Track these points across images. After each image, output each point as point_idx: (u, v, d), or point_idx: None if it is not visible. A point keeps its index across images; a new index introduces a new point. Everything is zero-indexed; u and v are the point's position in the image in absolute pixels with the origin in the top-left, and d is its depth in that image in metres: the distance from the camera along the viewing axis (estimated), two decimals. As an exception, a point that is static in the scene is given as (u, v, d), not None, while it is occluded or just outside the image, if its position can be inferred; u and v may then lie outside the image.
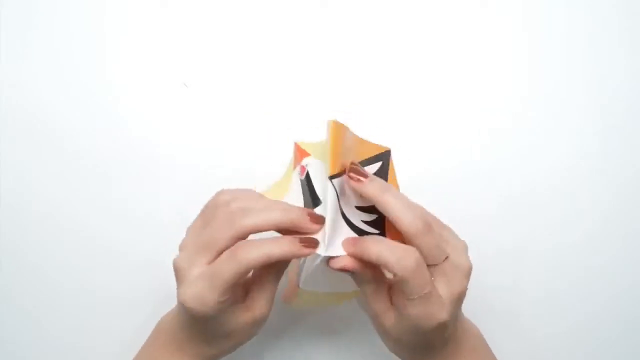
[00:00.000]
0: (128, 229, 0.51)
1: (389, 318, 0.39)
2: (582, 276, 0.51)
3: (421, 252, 0.37)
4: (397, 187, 0.43)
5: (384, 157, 0.43)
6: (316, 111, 0.53)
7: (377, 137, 0.52)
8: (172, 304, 0.46)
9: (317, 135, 0.53)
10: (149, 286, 0.50)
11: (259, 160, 0.52)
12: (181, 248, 0.41)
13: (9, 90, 0.53)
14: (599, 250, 0.52)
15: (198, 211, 0.51)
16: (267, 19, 0.54)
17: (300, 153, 0.42)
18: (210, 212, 0.40)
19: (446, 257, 0.38)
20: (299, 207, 0.39)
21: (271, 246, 0.37)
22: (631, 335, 0.51)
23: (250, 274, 0.40)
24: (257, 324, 0.40)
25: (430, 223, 0.38)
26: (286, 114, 0.53)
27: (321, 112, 0.53)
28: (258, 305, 0.40)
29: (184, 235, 0.51)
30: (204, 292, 0.37)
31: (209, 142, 0.53)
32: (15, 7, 0.54)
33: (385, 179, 0.42)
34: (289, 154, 0.53)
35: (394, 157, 0.44)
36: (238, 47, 0.54)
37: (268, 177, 0.52)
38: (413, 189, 0.52)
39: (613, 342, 0.51)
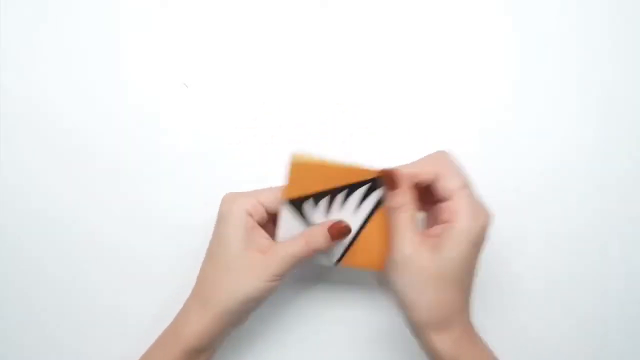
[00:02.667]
0: (128, 227, 0.51)
1: (424, 253, 0.41)
2: (582, 277, 0.51)
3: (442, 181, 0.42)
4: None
5: (377, 184, 0.45)
6: (316, 111, 0.53)
7: (377, 136, 0.53)
8: (175, 306, 0.47)
9: (317, 134, 0.53)
10: (151, 286, 0.50)
11: (259, 160, 0.52)
12: None
13: (10, 90, 0.53)
14: (599, 250, 0.52)
15: (198, 210, 0.51)
16: (267, 19, 0.54)
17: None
18: None
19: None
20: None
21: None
22: (631, 335, 0.51)
23: None
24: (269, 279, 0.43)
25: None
26: (286, 114, 0.53)
27: (321, 111, 0.53)
28: (275, 255, 0.43)
29: (183, 235, 0.51)
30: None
31: (209, 142, 0.53)
32: (18, 9, 0.54)
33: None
34: (289, 153, 0.53)
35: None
36: (238, 47, 0.54)
37: (268, 177, 0.52)
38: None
39: (613, 343, 0.51)
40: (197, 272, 0.47)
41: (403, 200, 0.42)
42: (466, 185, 0.42)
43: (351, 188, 0.45)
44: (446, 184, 0.42)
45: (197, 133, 0.53)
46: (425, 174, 0.43)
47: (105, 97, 0.53)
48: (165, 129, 0.53)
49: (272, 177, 0.52)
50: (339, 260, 0.46)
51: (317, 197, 0.45)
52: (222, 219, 0.44)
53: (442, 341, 0.40)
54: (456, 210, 0.41)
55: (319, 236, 0.43)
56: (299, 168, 0.44)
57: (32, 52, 0.53)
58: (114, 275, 0.51)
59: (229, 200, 0.44)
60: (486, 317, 0.46)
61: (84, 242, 0.51)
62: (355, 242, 0.45)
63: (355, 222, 0.45)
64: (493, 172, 0.52)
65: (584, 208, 0.52)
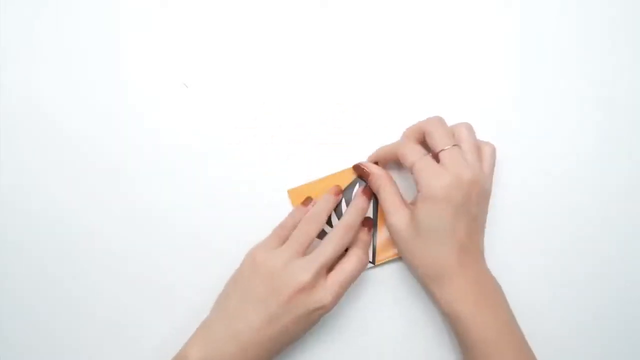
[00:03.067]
0: (128, 228, 0.51)
1: (404, 222, 0.47)
2: (582, 277, 0.51)
3: (459, 137, 0.47)
4: None
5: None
6: (316, 111, 0.53)
7: (377, 136, 0.53)
8: (174, 306, 0.47)
9: (317, 134, 0.53)
10: (150, 286, 0.50)
11: (259, 160, 0.52)
12: (278, 266, 0.45)
13: (10, 91, 0.53)
14: (598, 251, 0.52)
15: (197, 211, 0.51)
16: (267, 19, 0.54)
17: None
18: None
19: (455, 145, 0.46)
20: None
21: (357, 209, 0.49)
22: (632, 335, 0.51)
23: None
24: None
25: (472, 130, 0.48)
26: (286, 114, 0.53)
27: (321, 111, 0.53)
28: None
29: (183, 235, 0.51)
30: (340, 291, 0.45)
31: (208, 142, 0.53)
32: (18, 9, 0.54)
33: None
34: (289, 153, 0.53)
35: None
36: (238, 47, 0.54)
37: (268, 177, 0.52)
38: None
39: (613, 343, 0.51)
40: (197, 272, 0.47)
41: (378, 182, 0.49)
42: (422, 156, 0.46)
43: (344, 193, 0.51)
44: (405, 161, 0.47)
45: (197, 133, 0.53)
46: (384, 156, 0.50)
47: (105, 97, 0.53)
48: (165, 129, 0.53)
49: (272, 177, 0.52)
50: (373, 260, 0.50)
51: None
52: (314, 312, 0.45)
53: (442, 293, 0.45)
54: (415, 179, 0.46)
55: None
56: (297, 196, 0.50)
57: (32, 52, 0.53)
58: (113, 275, 0.51)
59: (333, 301, 0.45)
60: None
61: (83, 242, 0.51)
62: (378, 238, 0.50)
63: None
64: (495, 170, 0.52)
65: (584, 208, 0.52)
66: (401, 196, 0.48)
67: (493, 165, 0.48)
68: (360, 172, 0.50)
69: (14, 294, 0.51)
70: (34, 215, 0.51)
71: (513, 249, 0.51)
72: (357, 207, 0.49)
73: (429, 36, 0.54)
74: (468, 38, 0.54)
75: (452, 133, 0.47)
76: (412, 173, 0.46)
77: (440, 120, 0.47)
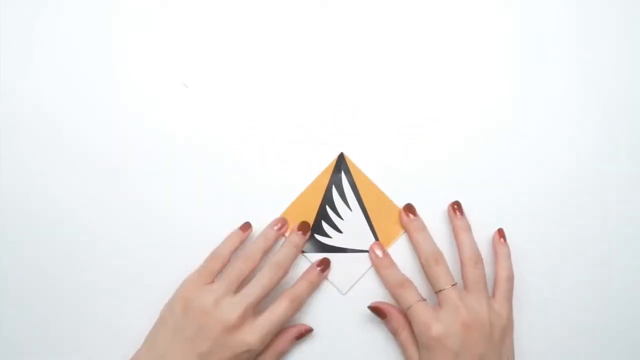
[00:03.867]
0: (128, 228, 0.51)
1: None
2: (582, 277, 0.51)
3: (467, 274, 0.47)
4: (369, 181, 0.52)
5: (340, 162, 0.52)
6: (316, 111, 0.53)
7: (377, 136, 0.53)
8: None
9: (317, 134, 0.53)
10: (150, 286, 0.50)
11: (259, 160, 0.52)
12: (208, 308, 0.45)
13: (10, 90, 0.53)
14: (598, 251, 0.52)
15: (197, 211, 0.51)
16: (267, 19, 0.54)
17: None
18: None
19: (454, 284, 0.46)
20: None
21: (308, 283, 0.49)
22: (632, 335, 0.51)
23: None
24: None
25: (481, 262, 0.47)
26: (286, 114, 0.53)
27: (321, 111, 0.53)
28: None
29: (183, 236, 0.51)
30: (268, 333, 0.45)
31: (208, 142, 0.53)
32: (17, 8, 0.54)
33: (349, 179, 0.52)
34: (289, 153, 0.53)
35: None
36: (238, 47, 0.54)
37: (269, 177, 0.52)
38: (412, 190, 0.52)
39: (613, 344, 0.51)
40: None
41: (395, 325, 0.48)
42: (416, 302, 0.46)
43: (324, 199, 0.52)
44: (401, 304, 0.47)
45: (197, 133, 0.53)
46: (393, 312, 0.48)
47: (105, 97, 0.53)
48: (165, 129, 0.53)
49: (272, 177, 0.52)
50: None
51: (316, 228, 0.51)
52: (240, 354, 0.45)
53: None
54: (412, 325, 0.46)
55: (287, 343, 0.49)
56: (290, 214, 0.51)
57: (31, 53, 0.53)
58: (113, 275, 0.51)
59: (260, 342, 0.45)
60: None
61: (83, 242, 0.51)
62: (376, 228, 0.51)
63: (359, 215, 0.51)
64: (493, 172, 0.52)
65: (584, 208, 0.52)
66: (414, 338, 0.47)
67: (507, 293, 0.47)
68: (378, 312, 0.49)
69: (14, 293, 0.51)
70: (33, 216, 0.51)
71: (513, 249, 0.51)
72: (291, 243, 0.49)
73: (429, 36, 0.54)
74: (468, 38, 0.54)
75: (448, 271, 0.47)
76: (408, 316, 0.46)
77: (439, 253, 0.48)
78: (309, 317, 0.51)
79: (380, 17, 0.54)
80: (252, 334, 0.45)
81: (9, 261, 0.51)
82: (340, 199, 0.52)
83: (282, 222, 0.50)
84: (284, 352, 0.49)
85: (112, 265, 0.51)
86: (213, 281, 0.47)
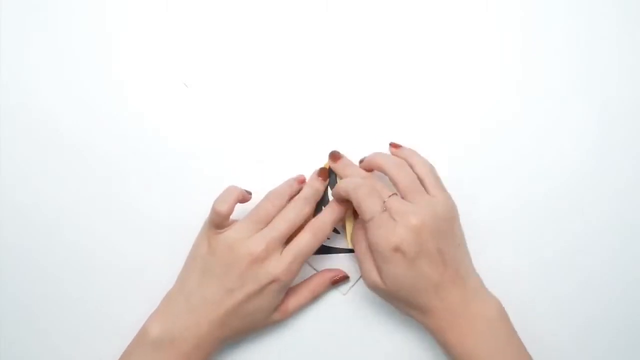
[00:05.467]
0: (127, 228, 0.51)
1: (376, 273, 0.46)
2: (582, 277, 0.51)
3: (395, 183, 0.47)
4: None
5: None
6: (316, 111, 0.53)
7: (377, 136, 0.53)
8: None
9: (317, 135, 0.53)
10: (149, 286, 0.50)
11: (259, 160, 0.52)
12: (241, 238, 0.46)
13: (9, 90, 0.53)
14: (597, 253, 0.52)
15: (197, 211, 0.51)
16: (267, 19, 0.54)
17: None
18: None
19: (391, 195, 0.46)
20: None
21: (330, 209, 0.49)
22: (631, 336, 0.51)
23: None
24: (275, 323, 0.49)
25: (404, 166, 0.47)
26: (286, 114, 0.53)
27: (321, 111, 0.53)
28: (289, 309, 0.49)
29: (182, 236, 0.51)
30: (292, 262, 0.46)
31: (208, 142, 0.53)
32: (16, 8, 0.54)
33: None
34: (289, 153, 0.53)
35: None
36: (238, 47, 0.54)
37: (269, 177, 0.52)
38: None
39: (613, 345, 0.51)
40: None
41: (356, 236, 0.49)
42: (377, 214, 0.45)
43: (321, 199, 0.51)
44: (363, 217, 0.46)
45: (197, 133, 0.53)
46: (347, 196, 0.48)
47: (105, 97, 0.53)
48: (165, 129, 0.53)
49: (272, 177, 0.52)
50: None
51: None
52: (272, 293, 0.46)
53: (430, 326, 0.45)
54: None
55: (322, 286, 0.50)
56: None
57: (30, 53, 0.53)
58: (113, 275, 0.51)
59: (288, 273, 0.46)
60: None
61: (82, 242, 0.51)
62: (348, 230, 0.50)
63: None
64: (494, 172, 0.52)
65: (584, 208, 0.52)
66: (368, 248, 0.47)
67: (435, 182, 0.47)
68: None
69: (13, 295, 0.51)
70: (32, 217, 0.51)
71: (513, 249, 0.51)
72: (312, 186, 0.49)
73: (429, 37, 0.54)
74: (468, 38, 0.54)
75: (383, 187, 0.47)
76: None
77: (367, 180, 0.47)
78: (309, 317, 0.51)
79: (380, 17, 0.54)
80: (277, 264, 0.45)
81: (8, 261, 0.51)
82: None
83: (302, 179, 0.51)
84: (318, 294, 0.50)
85: (112, 265, 0.51)
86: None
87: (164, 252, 0.51)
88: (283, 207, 0.48)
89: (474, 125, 0.53)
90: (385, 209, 0.45)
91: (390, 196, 0.46)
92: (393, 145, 0.50)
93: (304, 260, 0.47)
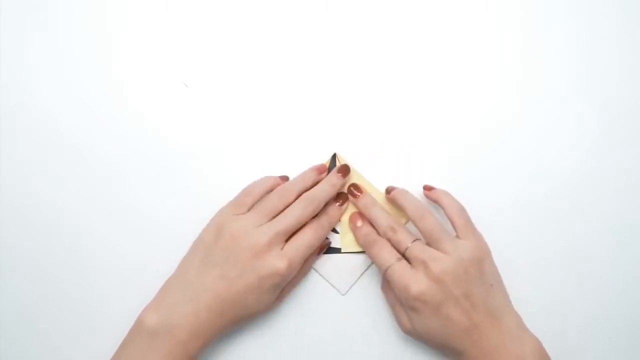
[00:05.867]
0: (127, 228, 0.51)
1: (406, 319, 0.47)
2: (581, 279, 0.51)
3: (419, 231, 0.47)
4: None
5: (334, 163, 0.52)
6: (316, 111, 0.53)
7: (377, 136, 0.53)
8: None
9: (317, 135, 0.53)
10: (150, 287, 0.50)
11: (259, 160, 0.52)
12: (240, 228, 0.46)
13: (9, 90, 0.53)
14: (597, 253, 0.52)
15: (196, 211, 0.51)
16: (267, 19, 0.54)
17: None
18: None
19: (414, 241, 0.46)
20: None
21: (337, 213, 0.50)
22: (631, 336, 0.51)
23: None
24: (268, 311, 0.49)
25: (427, 214, 0.47)
26: (286, 114, 0.53)
27: (322, 112, 0.53)
28: (282, 298, 0.49)
29: (182, 235, 0.51)
30: (295, 257, 0.46)
31: (208, 142, 0.53)
32: (16, 8, 0.54)
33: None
34: (289, 153, 0.53)
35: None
36: (238, 47, 0.54)
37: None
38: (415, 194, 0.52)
39: (613, 345, 0.51)
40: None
41: (385, 293, 0.50)
42: (394, 262, 0.46)
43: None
44: (379, 267, 0.47)
45: (197, 133, 0.53)
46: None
47: (105, 97, 0.53)
48: (165, 129, 0.53)
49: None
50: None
51: None
52: (273, 285, 0.46)
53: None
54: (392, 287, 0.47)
55: (309, 262, 0.49)
56: None
57: (30, 53, 0.53)
58: (112, 276, 0.51)
59: (289, 266, 0.46)
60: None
61: (82, 243, 0.51)
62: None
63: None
64: (494, 172, 0.52)
65: (584, 208, 0.52)
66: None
67: (466, 225, 0.47)
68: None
69: (13, 295, 0.51)
70: (32, 217, 0.51)
71: (513, 249, 0.51)
72: (328, 182, 0.49)
73: (429, 37, 0.54)
74: (469, 38, 0.54)
75: (408, 232, 0.47)
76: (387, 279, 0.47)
77: (393, 224, 0.48)
78: (308, 317, 0.50)
79: (381, 18, 0.54)
80: (280, 259, 0.45)
81: (8, 261, 0.51)
82: None
83: (324, 169, 0.51)
84: (308, 270, 0.50)
85: (112, 265, 0.51)
86: (246, 212, 0.47)
87: (164, 252, 0.51)
88: (292, 201, 0.48)
89: (474, 125, 0.53)
90: (402, 257, 0.46)
91: (413, 241, 0.46)
92: (426, 187, 0.50)
93: (306, 256, 0.47)
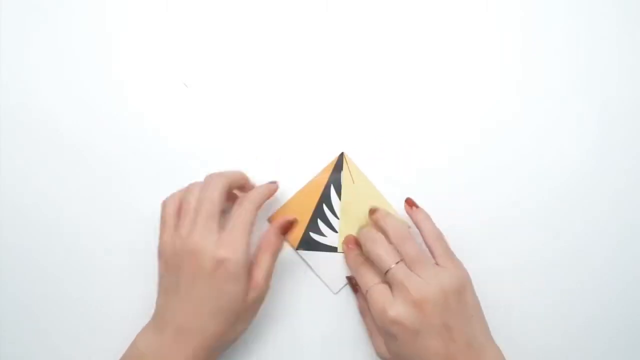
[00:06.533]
0: (126, 229, 0.51)
1: (382, 343, 0.47)
2: (581, 279, 0.51)
3: (400, 254, 0.46)
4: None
5: (340, 162, 0.52)
6: (318, 110, 0.53)
7: (376, 136, 0.53)
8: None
9: (317, 135, 0.53)
10: (147, 286, 0.50)
11: (259, 160, 0.52)
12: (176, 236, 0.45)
13: (9, 90, 0.53)
14: (597, 253, 0.52)
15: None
16: (267, 19, 0.54)
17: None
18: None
19: (397, 262, 0.45)
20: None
21: (262, 189, 0.49)
22: (631, 336, 0.51)
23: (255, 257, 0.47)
24: (260, 300, 0.46)
25: (407, 238, 0.46)
26: (286, 115, 0.53)
27: (322, 112, 0.53)
28: (259, 281, 0.45)
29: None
30: (236, 240, 0.44)
31: (208, 142, 0.53)
32: (16, 8, 0.54)
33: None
34: (288, 153, 0.53)
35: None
36: (238, 47, 0.54)
37: (267, 177, 0.52)
38: (411, 192, 0.52)
39: (613, 345, 0.51)
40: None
41: (361, 306, 0.50)
42: (373, 285, 0.46)
43: (321, 198, 0.52)
44: (361, 287, 0.47)
45: (197, 133, 0.53)
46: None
47: (105, 97, 0.53)
48: (165, 129, 0.53)
49: (272, 177, 0.52)
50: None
51: (311, 226, 0.51)
52: (229, 275, 0.43)
53: None
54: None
55: (275, 242, 0.48)
56: (286, 211, 0.51)
57: (30, 53, 0.53)
58: (113, 276, 0.51)
59: (231, 250, 0.43)
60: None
61: (82, 243, 0.51)
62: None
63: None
64: (494, 172, 0.52)
65: (585, 208, 0.52)
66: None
67: (445, 252, 0.46)
68: (350, 284, 0.50)
69: (13, 295, 0.51)
70: (32, 217, 0.51)
71: (513, 249, 0.51)
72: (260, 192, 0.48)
73: (429, 37, 0.54)
74: (469, 38, 0.54)
75: (390, 250, 0.46)
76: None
77: (376, 235, 0.47)
78: (299, 315, 0.51)
79: (380, 17, 0.54)
80: (218, 245, 0.43)
81: (8, 261, 0.51)
82: (337, 198, 0.52)
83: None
84: (277, 251, 0.48)
85: (112, 265, 0.51)
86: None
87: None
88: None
89: (474, 125, 0.53)
90: (383, 280, 0.46)
91: (397, 262, 0.45)
92: (408, 202, 0.50)
93: (248, 232, 0.44)
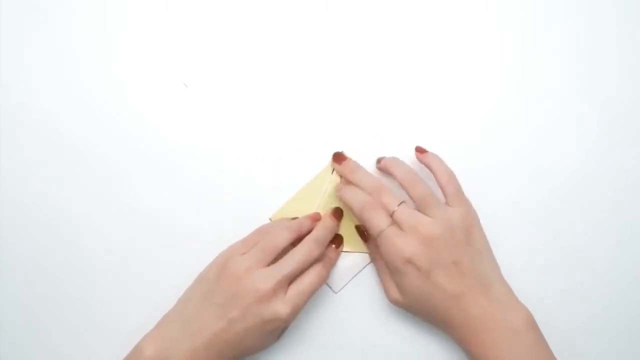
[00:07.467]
0: (126, 229, 0.51)
1: (395, 289, 0.47)
2: (581, 279, 0.51)
3: (410, 196, 0.47)
4: None
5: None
6: (317, 110, 0.53)
7: (376, 136, 0.53)
8: (172, 303, 0.47)
9: (317, 135, 0.53)
10: (150, 288, 0.50)
11: (260, 160, 0.52)
12: (242, 275, 0.45)
13: (9, 90, 0.53)
14: (597, 253, 0.52)
15: (197, 211, 0.51)
16: (268, 19, 0.54)
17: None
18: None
19: (401, 203, 0.46)
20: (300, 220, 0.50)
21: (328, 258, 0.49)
22: (631, 336, 0.51)
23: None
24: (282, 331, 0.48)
25: (417, 180, 0.47)
26: (286, 115, 0.53)
27: (321, 112, 0.53)
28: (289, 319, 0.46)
29: (182, 235, 0.51)
30: (299, 304, 0.45)
31: (208, 142, 0.53)
32: (16, 8, 0.54)
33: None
34: (288, 153, 0.53)
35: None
36: (238, 47, 0.54)
37: (267, 177, 0.52)
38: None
39: (613, 345, 0.51)
40: (196, 273, 0.47)
41: (372, 250, 0.50)
42: (385, 227, 0.46)
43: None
44: (371, 232, 0.47)
45: (197, 133, 0.53)
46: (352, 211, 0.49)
47: (105, 97, 0.53)
48: (165, 129, 0.53)
49: (272, 177, 0.52)
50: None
51: None
52: (275, 330, 0.45)
53: (454, 336, 0.46)
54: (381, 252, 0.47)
55: (335, 256, 0.50)
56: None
57: (30, 53, 0.53)
58: (112, 276, 0.51)
59: (292, 315, 0.45)
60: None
61: (82, 243, 0.51)
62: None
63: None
64: (494, 172, 0.52)
65: (585, 208, 0.52)
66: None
67: (456, 192, 0.47)
68: (360, 233, 0.51)
69: (13, 295, 0.51)
70: (32, 217, 0.51)
71: (513, 249, 0.51)
72: (325, 226, 0.49)
73: (429, 37, 0.54)
74: (469, 38, 0.54)
75: (393, 195, 0.47)
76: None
77: (377, 186, 0.47)
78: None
79: (380, 17, 0.54)
80: (284, 305, 0.44)
81: (8, 261, 0.51)
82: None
83: (318, 217, 0.50)
84: (326, 277, 0.49)
85: (112, 265, 0.51)
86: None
87: (164, 252, 0.51)
88: (291, 240, 0.47)
89: (474, 125, 0.53)
90: (393, 221, 0.46)
91: (399, 204, 0.46)
92: (418, 149, 0.50)
93: (308, 300, 0.46)
